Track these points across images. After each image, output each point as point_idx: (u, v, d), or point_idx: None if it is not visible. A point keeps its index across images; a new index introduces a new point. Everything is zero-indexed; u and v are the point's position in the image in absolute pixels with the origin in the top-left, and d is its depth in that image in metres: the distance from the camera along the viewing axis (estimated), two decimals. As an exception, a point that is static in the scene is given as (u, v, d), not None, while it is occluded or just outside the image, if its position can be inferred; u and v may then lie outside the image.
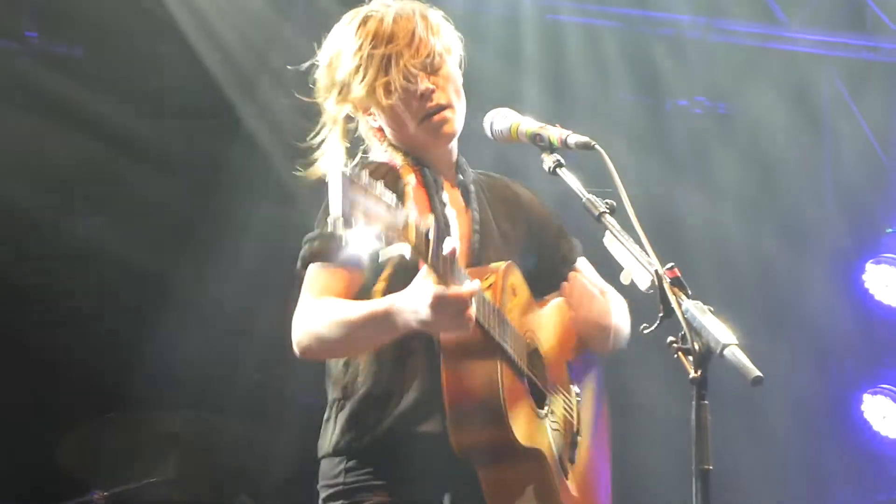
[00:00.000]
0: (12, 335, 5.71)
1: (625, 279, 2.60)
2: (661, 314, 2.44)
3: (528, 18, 6.41)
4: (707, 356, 2.32)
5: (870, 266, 6.99)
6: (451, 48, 3.09)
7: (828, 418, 7.06)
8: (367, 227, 2.38)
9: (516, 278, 3.01)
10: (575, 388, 3.18)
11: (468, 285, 2.67)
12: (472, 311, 2.67)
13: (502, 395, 2.78)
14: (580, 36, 6.58)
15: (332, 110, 3.07)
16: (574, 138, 2.83)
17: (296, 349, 2.92)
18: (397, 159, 3.03)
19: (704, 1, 6.74)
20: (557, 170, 2.83)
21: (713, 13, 6.73)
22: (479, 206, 3.13)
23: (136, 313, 5.94)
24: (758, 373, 2.24)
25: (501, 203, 3.22)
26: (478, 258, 3.03)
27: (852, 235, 7.11)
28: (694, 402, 2.31)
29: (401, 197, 2.50)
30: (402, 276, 2.79)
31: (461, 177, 3.15)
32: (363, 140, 3.14)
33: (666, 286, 2.45)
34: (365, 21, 3.03)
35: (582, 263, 3.31)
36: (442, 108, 3.03)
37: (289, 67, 3.19)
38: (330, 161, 3.02)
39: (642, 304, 2.79)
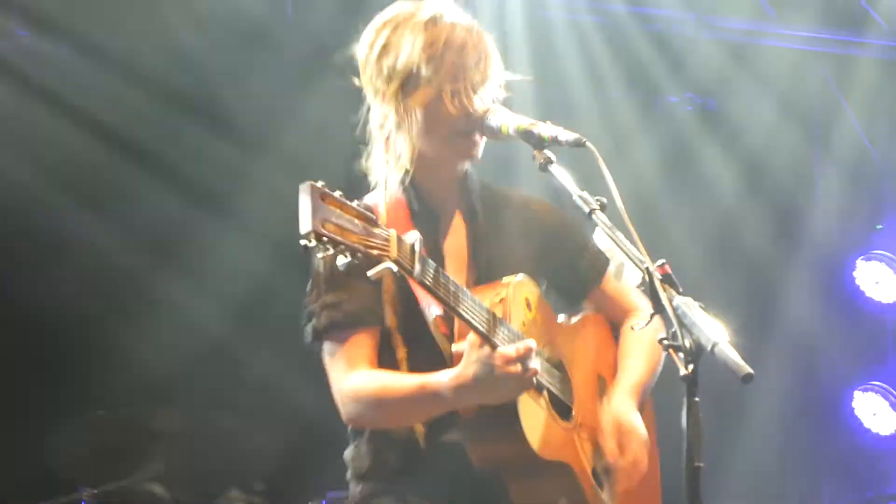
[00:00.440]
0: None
1: (616, 275, 2.59)
2: (651, 311, 2.42)
3: (518, 15, 6.39)
4: (698, 353, 2.30)
5: (860, 263, 6.99)
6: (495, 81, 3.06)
7: (819, 416, 7.07)
8: (343, 243, 2.39)
9: (531, 292, 2.99)
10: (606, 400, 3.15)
11: (517, 346, 2.68)
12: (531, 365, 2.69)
13: (518, 408, 2.77)
14: (570, 32, 6.57)
15: (395, 98, 2.98)
16: (565, 135, 2.80)
17: (346, 422, 3.00)
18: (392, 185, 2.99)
19: (695, -3, 6.74)
20: (548, 166, 2.81)
21: (703, 9, 6.72)
22: (484, 224, 3.10)
23: (122, 311, 5.91)
24: (749, 370, 2.23)
25: (511, 220, 3.18)
26: (485, 278, 3.01)
27: (843, 232, 7.11)
28: (685, 399, 2.30)
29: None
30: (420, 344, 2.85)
31: (466, 195, 3.12)
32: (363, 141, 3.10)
33: (657, 283, 2.43)
34: (435, 21, 2.99)
35: (609, 279, 3.25)
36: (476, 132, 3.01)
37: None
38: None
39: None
